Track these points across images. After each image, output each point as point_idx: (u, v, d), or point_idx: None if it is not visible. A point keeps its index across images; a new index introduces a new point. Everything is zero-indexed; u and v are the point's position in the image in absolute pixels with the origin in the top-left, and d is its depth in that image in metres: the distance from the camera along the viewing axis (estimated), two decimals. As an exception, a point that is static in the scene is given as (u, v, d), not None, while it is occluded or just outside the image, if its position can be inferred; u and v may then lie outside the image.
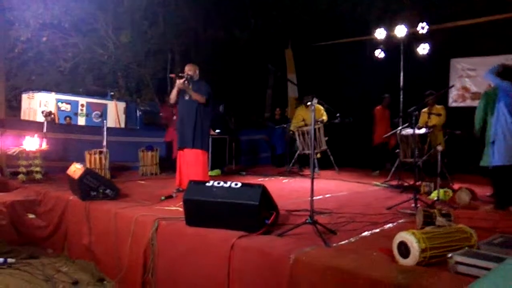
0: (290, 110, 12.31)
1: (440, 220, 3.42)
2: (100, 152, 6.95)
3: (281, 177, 7.93)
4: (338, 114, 7.82)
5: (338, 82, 10.38)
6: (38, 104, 11.46)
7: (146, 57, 13.84)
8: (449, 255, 2.51)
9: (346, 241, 3.27)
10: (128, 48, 13.20)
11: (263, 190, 3.44)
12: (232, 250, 3.08)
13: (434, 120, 7.21)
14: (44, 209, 5.44)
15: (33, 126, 7.63)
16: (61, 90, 12.46)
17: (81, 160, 6.58)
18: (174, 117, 8.07)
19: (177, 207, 4.33)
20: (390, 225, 3.89)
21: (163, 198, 5.04)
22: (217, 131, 9.30)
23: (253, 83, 13.66)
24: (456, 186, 5.96)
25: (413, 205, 4.63)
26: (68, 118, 11.27)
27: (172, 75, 5.73)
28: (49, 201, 5.42)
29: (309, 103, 3.89)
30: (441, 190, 5.30)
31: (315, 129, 7.94)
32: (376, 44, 8.81)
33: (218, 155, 8.92)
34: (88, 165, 6.76)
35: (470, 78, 9.18)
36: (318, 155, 8.58)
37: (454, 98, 9.37)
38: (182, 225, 3.61)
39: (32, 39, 12.57)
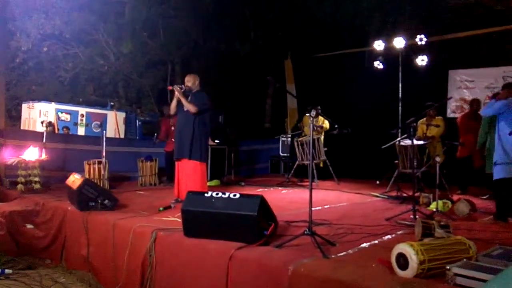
0: (289, 121, 12.35)
1: (439, 231, 3.40)
2: (99, 162, 6.94)
3: (280, 188, 7.92)
4: (336, 125, 7.85)
5: (337, 93, 10.42)
6: (38, 114, 11.49)
7: (146, 68, 13.91)
8: (448, 267, 2.51)
9: (345, 252, 3.27)
10: (129, 59, 13.27)
11: (262, 201, 3.44)
12: (231, 262, 3.07)
13: (433, 131, 7.23)
14: (42, 220, 5.43)
15: (32, 136, 7.63)
16: (61, 100, 12.49)
17: (80, 170, 6.59)
18: (173, 128, 8.08)
19: (175, 218, 4.32)
20: (389, 236, 3.88)
21: (161, 208, 5.04)
22: (217, 141, 9.31)
23: (253, 94, 13.71)
24: (455, 197, 5.95)
25: (412, 216, 4.62)
26: (65, 129, 11.25)
27: (170, 88, 5.76)
28: (48, 211, 5.41)
29: (307, 114, 3.91)
30: (440, 201, 5.29)
31: (314, 140, 7.99)
32: (374, 56, 8.86)
33: (217, 166, 8.92)
34: (87, 175, 6.75)
35: (468, 89, 9.21)
36: (321, 164, 8.60)
37: (453, 109, 9.39)
38: (180, 236, 3.60)
39: (33, 49, 12.64)
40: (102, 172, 6.89)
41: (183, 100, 5.53)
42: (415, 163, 5.60)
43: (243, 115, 12.94)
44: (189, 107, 5.50)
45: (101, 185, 6.42)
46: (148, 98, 14.64)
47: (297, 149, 8.51)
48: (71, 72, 13.58)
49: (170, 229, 3.83)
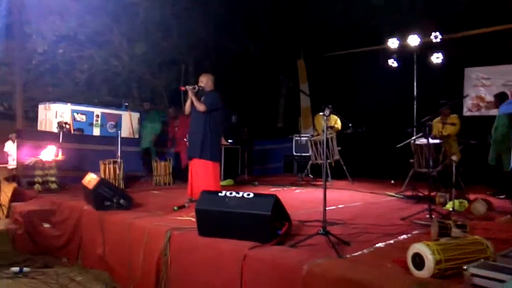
0: (302, 120, 12.31)
1: (455, 231, 3.35)
2: (115, 162, 7.01)
3: (293, 187, 7.91)
4: (350, 124, 7.79)
5: (351, 92, 10.35)
6: (54, 115, 11.64)
7: (160, 68, 13.98)
8: (465, 267, 2.47)
9: (360, 252, 3.24)
10: (142, 60, 13.35)
11: (275, 200, 3.43)
12: (245, 261, 3.08)
13: (448, 130, 7.14)
14: (59, 219, 5.50)
15: (49, 137, 7.75)
16: (76, 101, 12.63)
17: (96, 170, 6.65)
18: (176, 129, 8.15)
19: (189, 217, 4.34)
20: (404, 236, 3.84)
21: (175, 208, 5.06)
22: (230, 141, 9.33)
23: (265, 94, 13.70)
24: (471, 196, 5.87)
25: (427, 216, 4.57)
26: (78, 131, 11.30)
27: (182, 88, 5.79)
28: (64, 210, 5.48)
29: (321, 113, 3.89)
30: (457, 201, 5.21)
31: (327, 139, 7.95)
32: (389, 54, 8.78)
33: (230, 165, 8.94)
34: (102, 175, 6.82)
35: (484, 87, 9.08)
36: (333, 164, 8.55)
37: (469, 108, 9.27)
38: (194, 235, 3.62)
39: (48, 51, 12.80)
40: (117, 171, 6.95)
41: (193, 100, 5.56)
42: (430, 162, 5.53)
43: (256, 115, 12.93)
44: (198, 106, 5.53)
45: (117, 185, 6.49)
46: (162, 98, 14.72)
47: (310, 149, 8.48)
48: (86, 73, 13.72)
49: (185, 229, 3.84)
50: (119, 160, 6.88)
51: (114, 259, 4.49)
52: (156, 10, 12.26)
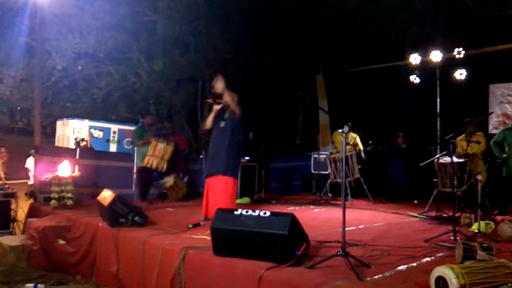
0: (321, 137, 12.19)
1: (481, 254, 3.25)
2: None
3: (312, 206, 7.76)
4: (370, 142, 7.66)
5: (372, 109, 10.23)
6: (72, 131, 11.81)
7: (178, 85, 14.11)
8: (492, 292, 2.35)
9: (381, 275, 3.11)
10: (160, 76, 13.50)
11: (293, 220, 3.34)
12: (260, 282, 2.99)
13: (474, 148, 6.93)
14: (74, 235, 5.48)
15: (66, 153, 7.79)
16: (94, 118, 12.81)
17: (112, 186, 6.61)
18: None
19: (204, 236, 4.26)
20: (427, 258, 3.69)
21: (190, 226, 4.98)
22: (247, 158, 9.25)
23: (283, 110, 13.67)
24: (498, 217, 5.64)
25: (452, 237, 4.41)
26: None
27: (209, 100, 5.73)
28: (79, 227, 5.46)
29: (340, 130, 3.80)
30: (482, 222, 5.03)
31: (347, 157, 7.81)
32: (411, 70, 8.63)
33: (247, 183, 8.83)
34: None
35: (510, 104, 8.85)
36: (353, 184, 8.39)
37: (495, 125, 9.04)
38: (209, 255, 3.55)
39: (67, 68, 13.06)
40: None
41: (232, 105, 5.51)
42: (455, 182, 5.35)
43: (273, 132, 12.88)
44: (236, 110, 5.51)
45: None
46: (179, 115, 14.82)
47: (329, 167, 8.34)
48: (104, 90, 13.93)
49: (199, 247, 3.77)
50: (134, 176, 6.85)
51: (128, 277, 4.43)
52: (174, 27, 12.41)
